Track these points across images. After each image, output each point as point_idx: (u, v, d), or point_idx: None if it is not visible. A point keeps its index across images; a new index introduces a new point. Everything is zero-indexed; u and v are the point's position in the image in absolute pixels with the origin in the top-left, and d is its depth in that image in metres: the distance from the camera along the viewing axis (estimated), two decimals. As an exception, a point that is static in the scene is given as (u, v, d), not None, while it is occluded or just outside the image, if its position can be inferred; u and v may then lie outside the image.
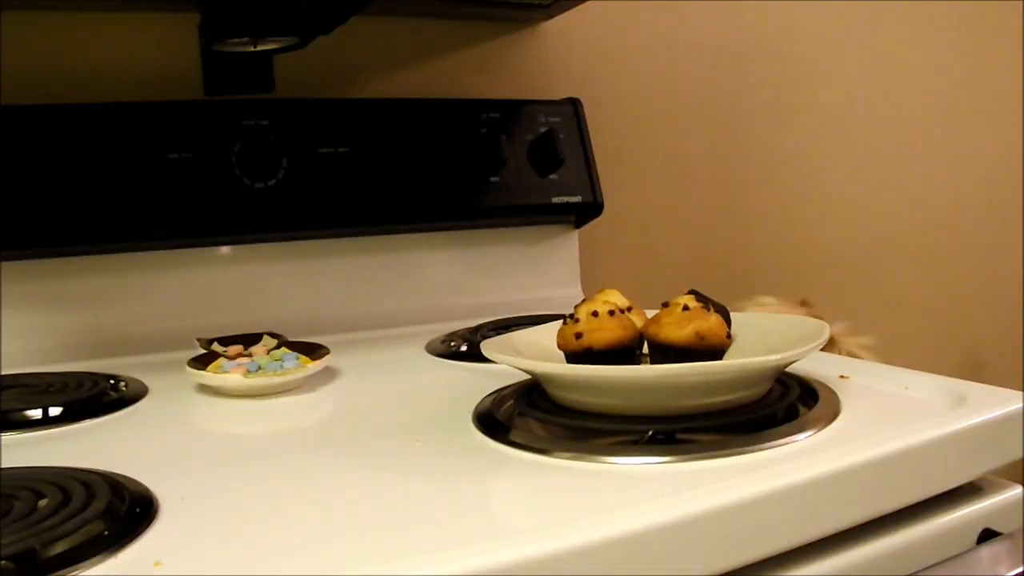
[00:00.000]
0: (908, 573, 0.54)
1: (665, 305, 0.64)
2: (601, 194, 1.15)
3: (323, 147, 1.01)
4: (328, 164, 1.00)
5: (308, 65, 1.08)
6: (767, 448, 0.53)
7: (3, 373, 0.85)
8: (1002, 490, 0.59)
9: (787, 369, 0.65)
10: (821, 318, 0.99)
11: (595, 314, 0.63)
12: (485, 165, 1.08)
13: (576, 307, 0.65)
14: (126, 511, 0.48)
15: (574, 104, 1.17)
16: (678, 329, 0.61)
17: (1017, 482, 0.60)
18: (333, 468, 0.57)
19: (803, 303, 1.03)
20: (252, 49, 0.98)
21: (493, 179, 1.09)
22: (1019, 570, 0.55)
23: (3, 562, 0.41)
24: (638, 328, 0.65)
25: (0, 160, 0.86)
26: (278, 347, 0.80)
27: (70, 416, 0.70)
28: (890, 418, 0.62)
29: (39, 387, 0.77)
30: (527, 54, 1.26)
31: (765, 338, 0.67)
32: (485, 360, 0.64)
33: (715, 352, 0.61)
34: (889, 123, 1.02)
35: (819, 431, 0.56)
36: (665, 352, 0.62)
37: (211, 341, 0.82)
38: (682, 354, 0.61)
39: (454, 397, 0.70)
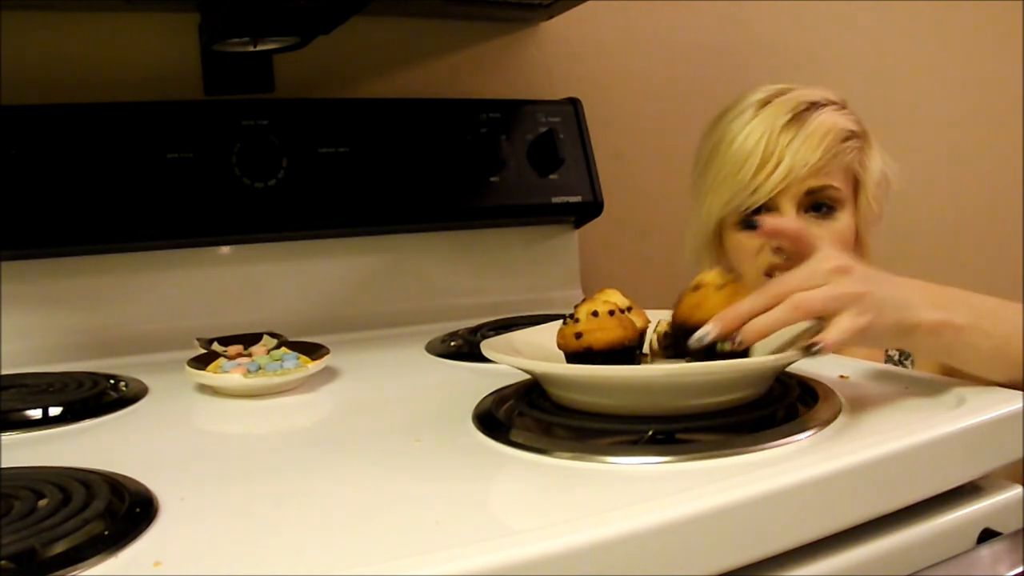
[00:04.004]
0: (908, 573, 0.53)
1: (695, 288, 0.63)
2: (601, 194, 1.15)
3: (323, 147, 1.00)
4: (328, 164, 1.00)
5: (308, 65, 1.08)
6: (767, 448, 0.53)
7: (3, 373, 0.85)
8: (1002, 490, 0.59)
9: (787, 369, 0.65)
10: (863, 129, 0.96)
11: (595, 314, 0.63)
12: (485, 165, 1.08)
13: (576, 307, 0.64)
14: (126, 511, 0.48)
15: (574, 104, 1.17)
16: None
17: (1017, 482, 0.60)
18: (333, 468, 0.57)
19: (794, 120, 0.93)
20: (252, 49, 0.98)
21: (493, 179, 1.09)
22: (1019, 570, 0.55)
23: (3, 562, 0.41)
24: (638, 328, 0.65)
25: (0, 160, 0.86)
26: (278, 347, 0.80)
27: (70, 416, 0.70)
28: (890, 418, 0.61)
29: (39, 387, 0.77)
30: (527, 54, 1.26)
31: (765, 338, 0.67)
32: (485, 360, 0.64)
33: None
34: (888, 123, 1.02)
35: (819, 431, 0.56)
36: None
37: (211, 341, 0.82)
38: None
39: (454, 397, 0.69)
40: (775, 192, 0.91)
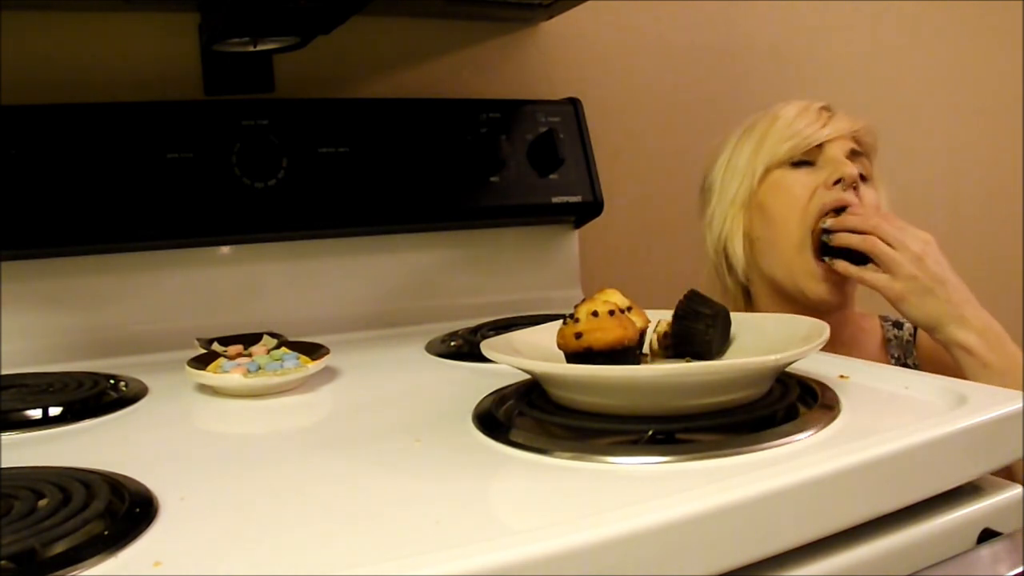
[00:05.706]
0: (908, 573, 0.54)
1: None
2: (601, 194, 1.15)
3: (323, 147, 1.00)
4: (328, 164, 1.00)
5: (308, 65, 1.08)
6: (767, 448, 0.53)
7: (3, 373, 0.85)
8: (1002, 490, 0.58)
9: (787, 369, 0.65)
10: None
11: (595, 314, 0.63)
12: (485, 165, 1.08)
13: (576, 307, 0.65)
14: (126, 511, 0.48)
15: (574, 104, 1.17)
16: None
17: (1017, 482, 0.60)
18: (333, 468, 0.57)
19: (825, 108, 1.02)
20: (252, 49, 0.98)
21: (493, 179, 1.09)
22: (1019, 570, 0.55)
23: (3, 562, 0.41)
24: (638, 328, 0.65)
25: (0, 160, 0.86)
26: (278, 347, 0.80)
27: (70, 416, 0.70)
28: (890, 418, 0.62)
29: (39, 387, 0.77)
30: (527, 54, 1.26)
31: (765, 338, 0.67)
32: (485, 360, 0.64)
33: None
34: (888, 124, 1.03)
35: (819, 431, 0.56)
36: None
37: (211, 341, 0.82)
38: None
39: (454, 397, 0.69)
40: (830, 138, 0.97)
